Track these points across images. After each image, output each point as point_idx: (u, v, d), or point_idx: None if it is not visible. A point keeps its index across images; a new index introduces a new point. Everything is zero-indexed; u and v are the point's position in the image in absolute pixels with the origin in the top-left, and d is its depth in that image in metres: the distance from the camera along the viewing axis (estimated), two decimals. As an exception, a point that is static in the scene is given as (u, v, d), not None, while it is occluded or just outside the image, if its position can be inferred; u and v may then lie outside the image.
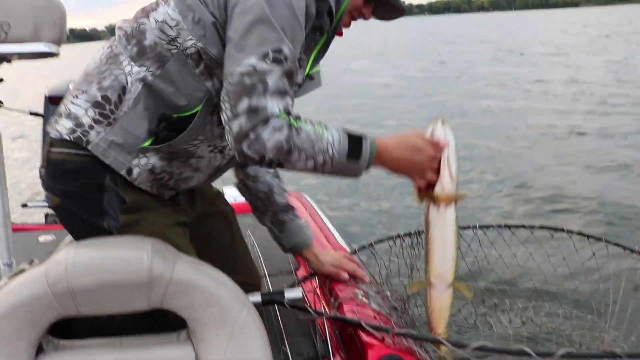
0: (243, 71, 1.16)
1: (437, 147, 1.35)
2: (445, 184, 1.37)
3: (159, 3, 1.34)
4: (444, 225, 1.43)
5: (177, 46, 1.28)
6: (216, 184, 1.69)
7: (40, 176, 3.53)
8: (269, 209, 1.77)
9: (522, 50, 22.29)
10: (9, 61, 1.98)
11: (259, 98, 1.16)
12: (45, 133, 3.26)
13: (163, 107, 1.30)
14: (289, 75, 1.21)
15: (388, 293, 1.75)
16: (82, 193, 1.35)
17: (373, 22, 1.54)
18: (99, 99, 1.31)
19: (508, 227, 2.08)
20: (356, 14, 1.46)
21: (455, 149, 1.38)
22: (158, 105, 1.30)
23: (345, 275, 1.73)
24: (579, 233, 2.00)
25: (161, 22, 1.29)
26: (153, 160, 1.35)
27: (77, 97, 1.36)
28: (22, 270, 1.27)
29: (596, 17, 66.63)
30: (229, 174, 1.71)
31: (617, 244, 1.90)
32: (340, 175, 1.32)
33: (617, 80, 12.66)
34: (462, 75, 15.12)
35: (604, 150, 6.74)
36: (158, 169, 1.36)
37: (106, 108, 1.30)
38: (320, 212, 2.77)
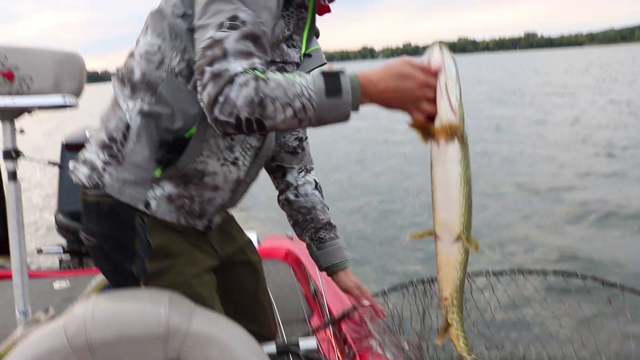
0: (204, 45, 1.15)
1: (429, 72, 1.19)
2: (442, 114, 1.20)
3: (139, 39, 1.37)
4: (445, 163, 1.24)
5: (165, 69, 1.31)
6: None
7: (56, 221, 3.53)
8: (310, 225, 1.77)
9: (525, 90, 22.34)
10: (29, 112, 2.04)
11: (220, 63, 1.13)
12: (61, 180, 3.33)
13: (163, 133, 1.32)
14: (252, 38, 1.17)
15: (404, 343, 1.73)
16: (116, 235, 1.37)
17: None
18: (107, 140, 1.35)
19: (521, 272, 2.06)
20: None
21: (456, 75, 1.20)
22: (159, 132, 1.32)
23: (366, 302, 1.75)
24: (593, 278, 1.98)
25: (144, 52, 1.33)
26: (168, 188, 1.36)
27: (90, 144, 1.41)
28: (38, 320, 1.28)
29: (599, 57, 67.13)
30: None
31: (632, 290, 1.88)
32: (329, 121, 1.19)
33: (622, 121, 12.54)
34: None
35: (612, 198, 6.48)
36: (175, 195, 1.37)
37: (114, 148, 1.34)
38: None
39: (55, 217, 3.34)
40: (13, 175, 2.04)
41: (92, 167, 1.36)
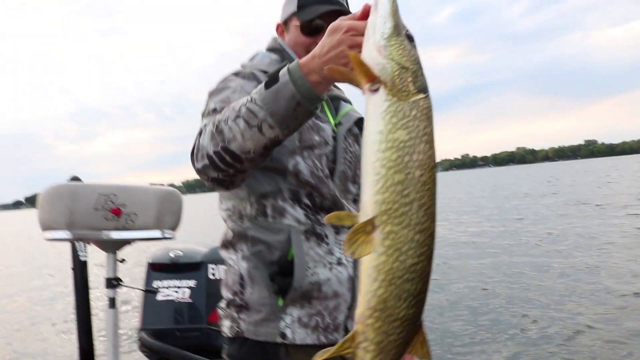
0: None
1: (357, 17, 1.11)
2: (365, 56, 0.98)
3: (220, 213, 1.58)
4: (367, 119, 0.97)
5: (246, 219, 1.48)
6: None
7: (139, 339, 3.60)
8: None
9: (588, 201, 21.27)
10: (129, 243, 2.24)
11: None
12: (146, 300, 3.48)
13: (269, 266, 1.44)
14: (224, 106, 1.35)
15: None
16: None
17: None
18: (231, 296, 1.50)
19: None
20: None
21: (389, 9, 0.99)
22: (266, 268, 1.44)
23: None
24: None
25: (227, 217, 1.54)
26: (295, 312, 1.44)
27: (221, 305, 1.56)
28: None
29: (666, 164, 64.05)
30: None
31: None
32: (282, 112, 1.14)
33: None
34: (520, 233, 13.09)
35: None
36: (305, 317, 1.45)
37: (237, 299, 1.47)
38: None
39: (138, 335, 3.46)
40: (113, 303, 2.20)
41: (231, 319, 1.50)
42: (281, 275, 1.44)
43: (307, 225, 1.46)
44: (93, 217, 2.06)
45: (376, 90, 0.96)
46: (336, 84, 1.66)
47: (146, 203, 2.15)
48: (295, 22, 1.57)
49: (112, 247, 2.19)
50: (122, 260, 2.31)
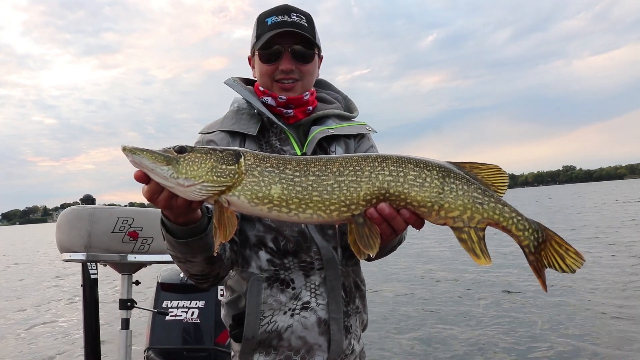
0: None
1: (145, 188, 1.18)
2: (167, 186, 1.13)
3: None
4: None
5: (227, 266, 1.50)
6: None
7: (146, 358, 3.57)
8: None
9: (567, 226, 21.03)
10: (145, 266, 2.19)
11: None
12: (153, 319, 3.40)
13: (236, 315, 1.46)
14: None
15: None
16: None
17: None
18: None
19: None
20: (279, 76, 1.51)
21: (152, 163, 1.10)
22: (232, 316, 1.47)
23: None
24: None
25: None
26: (262, 359, 1.40)
27: None
28: None
29: (641, 190, 63.70)
30: None
31: None
32: (184, 249, 1.32)
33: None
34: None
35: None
36: None
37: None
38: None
39: (144, 354, 3.38)
40: (126, 324, 2.14)
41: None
42: (238, 325, 1.42)
43: (269, 272, 1.42)
44: (111, 240, 2.02)
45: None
46: (326, 100, 1.61)
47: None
48: (257, 53, 1.55)
49: (128, 269, 2.15)
50: (137, 282, 2.27)
